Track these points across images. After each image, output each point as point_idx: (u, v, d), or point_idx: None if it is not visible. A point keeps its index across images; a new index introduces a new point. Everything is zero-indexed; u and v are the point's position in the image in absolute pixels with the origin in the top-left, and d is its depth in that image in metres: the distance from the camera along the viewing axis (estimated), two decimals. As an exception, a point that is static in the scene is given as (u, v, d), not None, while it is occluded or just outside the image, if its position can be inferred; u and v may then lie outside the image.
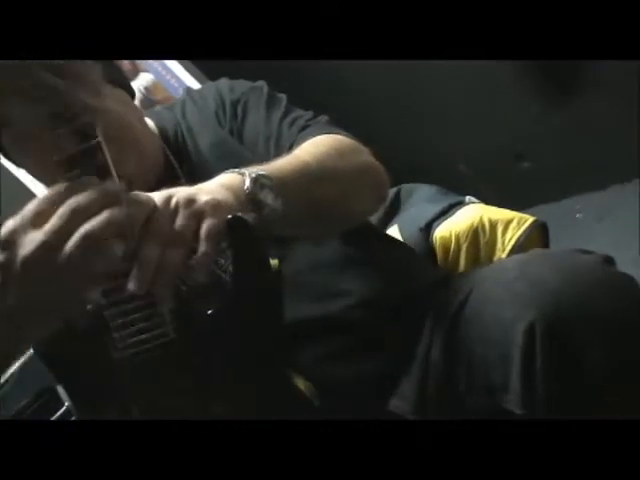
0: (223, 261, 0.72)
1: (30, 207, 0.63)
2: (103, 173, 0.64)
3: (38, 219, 0.62)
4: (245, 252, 0.68)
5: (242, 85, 1.03)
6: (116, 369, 0.71)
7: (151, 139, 0.96)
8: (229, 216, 0.66)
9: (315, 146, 0.86)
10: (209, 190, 0.69)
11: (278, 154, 0.90)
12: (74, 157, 0.64)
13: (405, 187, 1.12)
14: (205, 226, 0.64)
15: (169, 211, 0.65)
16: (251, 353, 0.72)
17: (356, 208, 0.87)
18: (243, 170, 0.73)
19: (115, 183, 0.64)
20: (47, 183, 1.01)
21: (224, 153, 0.95)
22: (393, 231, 1.06)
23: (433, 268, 1.02)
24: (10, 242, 0.62)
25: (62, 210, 0.61)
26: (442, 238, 1.00)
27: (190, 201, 0.66)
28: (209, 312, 0.70)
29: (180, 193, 0.67)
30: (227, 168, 0.76)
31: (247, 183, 0.71)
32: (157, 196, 0.66)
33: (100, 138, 0.64)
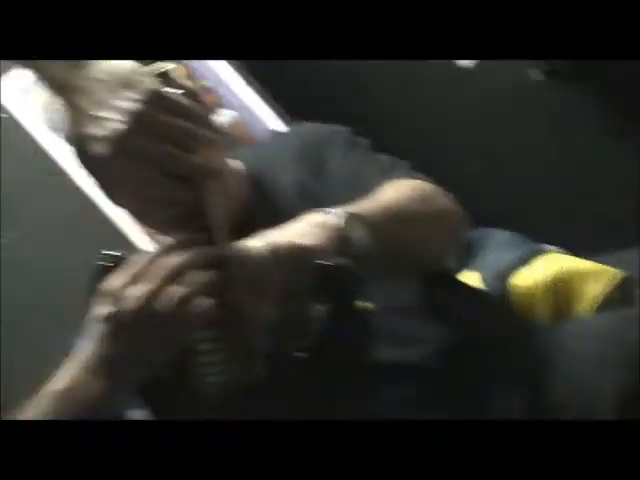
0: (315, 304, 0.73)
1: (137, 263, 0.67)
2: (208, 233, 0.67)
3: (140, 273, 0.66)
4: (339, 294, 0.70)
5: (324, 128, 1.06)
6: (201, 400, 0.73)
7: (236, 179, 0.99)
8: (324, 262, 0.68)
9: (398, 189, 0.88)
10: (303, 231, 0.71)
11: (359, 196, 0.91)
12: (184, 212, 0.67)
13: (481, 232, 1.11)
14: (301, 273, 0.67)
15: (272, 264, 0.67)
16: (333, 394, 0.73)
17: (436, 251, 0.88)
18: (331, 209, 0.76)
19: (222, 243, 0.67)
20: (143, 220, 1.06)
21: (304, 193, 0.98)
22: (471, 277, 1.05)
23: (512, 317, 1.01)
24: (118, 295, 0.66)
25: (160, 268, 0.65)
26: (522, 287, 0.99)
27: (288, 246, 0.68)
28: (298, 354, 0.71)
29: (278, 240, 0.68)
30: (307, 208, 0.79)
31: (337, 221, 0.73)
32: (257, 248, 0.67)
33: (211, 196, 0.67)
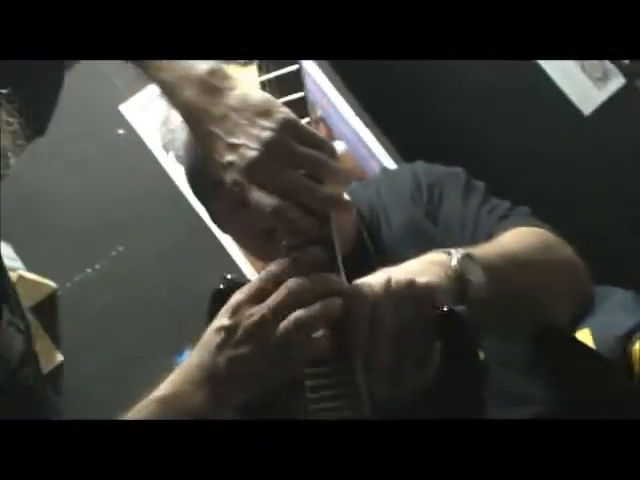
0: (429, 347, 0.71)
1: (256, 281, 0.68)
2: (330, 265, 0.66)
3: (262, 293, 0.66)
4: (455, 341, 0.67)
5: (439, 169, 1.05)
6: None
7: (349, 216, 0.99)
8: (444, 308, 0.66)
9: (520, 236, 0.86)
10: (422, 270, 0.70)
11: (475, 240, 0.90)
12: (305, 244, 0.67)
13: (600, 289, 1.06)
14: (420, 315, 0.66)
15: (391, 300, 0.66)
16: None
17: (556, 304, 0.85)
18: (449, 249, 0.74)
19: (340, 277, 0.66)
20: (252, 251, 1.08)
21: (417, 233, 0.96)
22: (583, 335, 1.00)
23: (629, 381, 0.96)
24: (236, 311, 0.67)
25: (282, 291, 0.65)
26: (642, 354, 0.94)
27: (410, 285, 0.66)
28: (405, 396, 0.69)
29: (399, 277, 0.67)
30: (419, 248, 0.77)
31: (454, 261, 0.72)
32: (376, 284, 0.66)
33: (334, 232, 0.67)
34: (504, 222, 0.93)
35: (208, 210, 1.03)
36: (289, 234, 0.67)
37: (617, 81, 1.45)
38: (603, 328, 1.00)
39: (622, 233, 1.57)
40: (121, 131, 1.96)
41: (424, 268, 0.71)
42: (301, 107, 0.67)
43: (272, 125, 0.64)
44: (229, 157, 0.65)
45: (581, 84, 1.51)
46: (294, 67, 0.68)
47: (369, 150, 1.71)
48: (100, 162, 1.92)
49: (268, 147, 0.64)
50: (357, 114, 1.81)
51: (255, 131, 0.64)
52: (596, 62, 1.46)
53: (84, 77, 1.60)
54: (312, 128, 0.67)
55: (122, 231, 1.90)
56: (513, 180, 1.77)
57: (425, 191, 1.00)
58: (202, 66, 0.68)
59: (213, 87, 0.67)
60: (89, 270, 1.87)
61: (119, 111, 1.94)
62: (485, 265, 0.73)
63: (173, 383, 0.71)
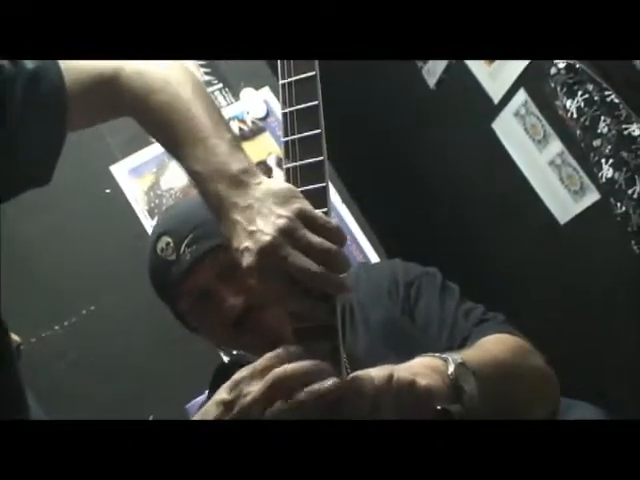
0: None
1: (261, 361, 0.69)
2: (332, 354, 0.68)
3: (264, 374, 0.68)
4: None
5: (416, 268, 1.07)
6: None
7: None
8: (438, 407, 0.68)
9: (503, 345, 0.87)
10: (421, 372, 0.71)
11: (451, 341, 0.93)
12: (313, 330, 0.69)
13: (565, 401, 1.07)
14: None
15: (391, 397, 0.67)
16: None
17: (529, 413, 0.86)
18: (445, 355, 0.76)
19: (341, 366, 0.68)
20: (222, 342, 1.09)
21: (393, 330, 0.98)
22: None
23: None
24: (235, 387, 0.69)
25: (279, 373, 0.66)
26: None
27: (411, 384, 0.68)
28: None
29: (401, 374, 0.68)
30: (397, 346, 0.78)
31: (451, 369, 0.73)
32: (378, 378, 0.67)
33: (339, 320, 0.68)
34: (481, 326, 0.95)
35: (172, 308, 1.04)
36: (298, 318, 0.69)
37: (592, 195, 1.51)
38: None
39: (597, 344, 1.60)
40: (108, 190, 1.98)
41: (424, 371, 0.72)
42: (321, 196, 0.70)
43: (287, 213, 0.68)
44: (246, 243, 0.69)
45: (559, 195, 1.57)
46: (319, 158, 0.71)
47: (353, 238, 1.75)
48: (84, 219, 1.92)
49: (281, 233, 0.67)
50: (344, 201, 1.85)
51: (272, 218, 0.68)
52: (575, 175, 1.52)
53: (79, 132, 1.63)
54: (325, 217, 0.69)
55: (96, 290, 1.88)
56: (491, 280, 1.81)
57: (402, 289, 1.02)
58: (236, 164, 0.72)
59: (243, 182, 0.71)
60: (57, 327, 1.84)
61: (109, 171, 1.96)
62: (477, 376, 0.75)
63: None
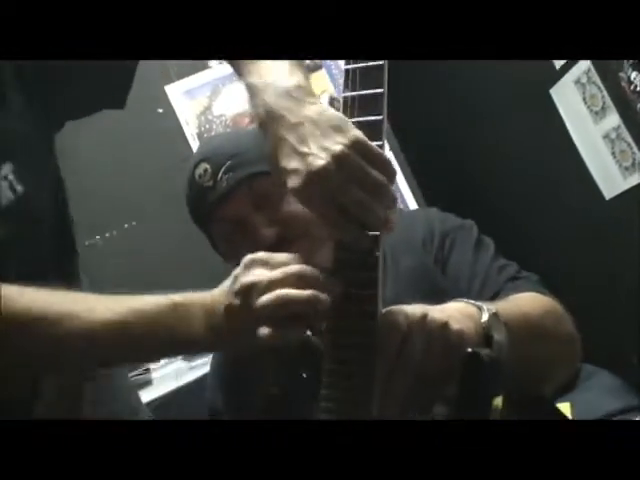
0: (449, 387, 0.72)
1: (277, 256, 0.72)
2: (370, 284, 0.69)
3: (271, 263, 0.71)
4: (475, 387, 0.68)
5: (453, 220, 1.07)
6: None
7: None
8: (469, 350, 0.68)
9: (536, 303, 0.88)
10: (455, 318, 0.71)
11: (481, 295, 0.93)
12: (354, 261, 0.69)
13: (587, 367, 1.09)
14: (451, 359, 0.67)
15: (423, 335, 0.67)
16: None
17: (554, 373, 0.87)
18: (480, 303, 0.76)
19: (377, 298, 0.69)
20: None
21: (423, 278, 0.99)
22: (564, 407, 1.03)
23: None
24: (249, 266, 0.72)
25: (291, 268, 0.69)
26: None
27: (444, 326, 0.69)
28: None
29: (435, 315, 0.69)
30: (423, 293, 0.79)
31: (485, 317, 0.74)
32: (412, 315, 0.68)
33: (382, 255, 0.69)
34: (513, 283, 0.95)
35: (206, 234, 1.06)
36: (342, 248, 0.70)
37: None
38: (584, 406, 1.02)
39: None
40: (161, 110, 2.00)
41: (457, 316, 0.72)
42: (377, 129, 0.69)
43: (344, 141, 0.66)
44: (295, 164, 0.67)
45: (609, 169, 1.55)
46: (379, 90, 0.70)
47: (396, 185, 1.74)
48: (134, 136, 1.94)
49: (337, 160, 0.65)
50: (391, 149, 1.84)
51: (327, 143, 0.66)
52: (628, 151, 1.50)
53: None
54: (380, 150, 0.68)
55: (139, 207, 1.92)
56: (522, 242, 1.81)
57: (437, 239, 1.02)
58: (291, 79, 0.70)
59: (295, 98, 0.69)
60: (98, 237, 1.89)
61: (164, 91, 1.97)
62: (508, 328, 0.75)
63: (160, 304, 0.74)
